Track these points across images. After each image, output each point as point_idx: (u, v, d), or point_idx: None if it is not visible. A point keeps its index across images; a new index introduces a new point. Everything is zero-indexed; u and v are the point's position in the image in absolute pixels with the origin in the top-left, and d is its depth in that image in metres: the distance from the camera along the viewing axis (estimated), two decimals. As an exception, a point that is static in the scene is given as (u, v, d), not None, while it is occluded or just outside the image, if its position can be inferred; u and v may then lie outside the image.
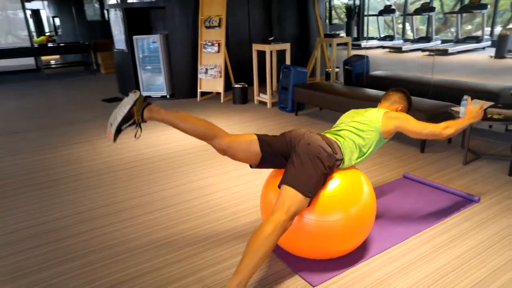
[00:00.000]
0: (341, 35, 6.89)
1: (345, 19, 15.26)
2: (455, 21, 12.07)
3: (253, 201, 2.80)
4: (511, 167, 2.99)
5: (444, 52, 10.41)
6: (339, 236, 1.94)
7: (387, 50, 12.85)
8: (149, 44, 6.43)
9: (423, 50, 11.60)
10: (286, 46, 5.72)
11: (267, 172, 3.03)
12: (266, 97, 5.81)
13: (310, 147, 1.96)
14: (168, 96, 6.60)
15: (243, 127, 4.69)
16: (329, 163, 1.94)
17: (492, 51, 10.43)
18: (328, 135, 2.14)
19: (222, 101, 6.20)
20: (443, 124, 2.21)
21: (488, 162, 3.26)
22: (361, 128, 2.17)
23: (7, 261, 2.21)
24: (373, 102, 3.96)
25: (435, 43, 12.33)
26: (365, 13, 14.84)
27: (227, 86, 6.52)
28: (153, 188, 3.08)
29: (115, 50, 7.10)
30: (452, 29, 12.38)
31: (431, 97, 4.27)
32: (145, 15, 6.66)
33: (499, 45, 9.18)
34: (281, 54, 6.25)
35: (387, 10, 13.66)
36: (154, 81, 6.64)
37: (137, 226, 2.52)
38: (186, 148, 3.98)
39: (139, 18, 6.62)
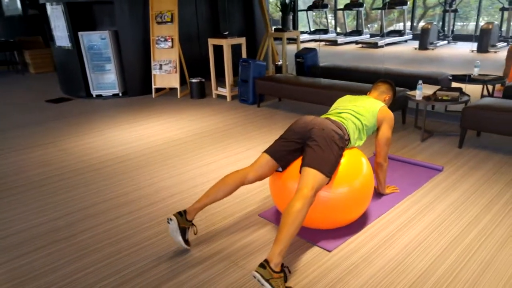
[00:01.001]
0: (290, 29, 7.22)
1: (280, 14, 15.76)
2: (380, 16, 13.12)
3: (239, 190, 2.96)
4: (460, 141, 3.50)
5: (375, 45, 11.31)
6: (347, 206, 2.19)
7: (323, 43, 13.54)
8: (97, 41, 6.19)
9: (357, 43, 12.47)
10: (242, 40, 5.89)
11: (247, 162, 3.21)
12: (224, 91, 5.94)
13: (324, 132, 2.18)
14: (120, 94, 6.42)
15: (207, 121, 4.79)
16: (342, 144, 2.18)
17: (414, 44, 11.58)
18: (332, 117, 2.36)
19: (179, 96, 6.20)
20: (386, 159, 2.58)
21: (439, 138, 3.77)
22: (360, 112, 2.44)
23: (13, 265, 2.13)
24: (331, 91, 4.33)
25: (365, 37, 13.33)
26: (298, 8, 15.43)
27: (181, 81, 6.53)
28: (140, 183, 3.10)
29: (57, 47, 6.70)
30: (386, 24, 13.45)
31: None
32: (90, 10, 6.38)
33: (422, 38, 10.22)
34: (233, 48, 6.41)
35: (318, 5, 14.38)
36: (104, 80, 6.41)
37: (130, 223, 2.56)
38: (159, 144, 4.00)
39: (84, 13, 6.33)
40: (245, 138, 4.07)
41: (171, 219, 2.10)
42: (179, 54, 6.22)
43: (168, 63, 6.19)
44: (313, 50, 6.14)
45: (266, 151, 2.28)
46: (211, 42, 5.88)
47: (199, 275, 1.99)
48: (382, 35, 12.83)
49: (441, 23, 11.37)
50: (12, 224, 2.55)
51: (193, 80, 6.03)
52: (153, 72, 6.23)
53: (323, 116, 2.42)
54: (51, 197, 2.90)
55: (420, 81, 3.66)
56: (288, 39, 7.49)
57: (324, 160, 2.08)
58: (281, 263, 1.78)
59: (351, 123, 2.36)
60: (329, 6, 14.48)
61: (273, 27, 7.50)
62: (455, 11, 10.71)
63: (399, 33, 12.44)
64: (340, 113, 2.45)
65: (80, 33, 6.11)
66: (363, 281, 1.89)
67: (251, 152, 3.66)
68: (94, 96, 6.41)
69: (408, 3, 12.00)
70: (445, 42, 10.91)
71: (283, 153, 2.25)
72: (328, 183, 2.10)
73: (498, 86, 4.91)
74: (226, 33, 5.84)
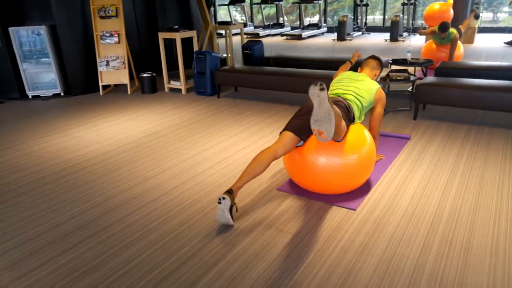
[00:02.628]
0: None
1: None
2: (299, 10, 13.94)
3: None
4: (415, 114, 4.12)
5: (299, 37, 12.03)
6: (357, 171, 2.54)
7: (246, 36, 13.92)
8: (32, 37, 5.72)
9: (282, 35, 13.08)
10: (193, 34, 5.96)
11: (229, 154, 3.43)
12: (178, 84, 5.95)
13: (338, 103, 2.51)
14: (62, 94, 6.03)
15: (174, 114, 4.83)
16: (349, 115, 2.54)
17: (330, 36, 12.58)
18: (341, 96, 2.69)
19: (129, 92, 6.04)
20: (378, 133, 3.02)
21: (394, 114, 4.36)
22: (361, 94, 2.79)
23: (60, 261, 2.08)
24: (294, 78, 4.69)
25: (287, 29, 14.04)
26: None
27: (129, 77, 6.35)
28: (135, 178, 3.11)
29: (-21, 45, 6.00)
30: (309, 17, 14.26)
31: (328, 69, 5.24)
32: (22, 4, 5.84)
33: (339, 30, 11.18)
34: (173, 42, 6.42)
35: (237, 0, 14.70)
36: (42, 79, 5.95)
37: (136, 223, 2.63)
38: (137, 139, 3.97)
39: (15, 7, 5.78)
40: (222, 126, 4.23)
41: (224, 198, 2.24)
42: (127, 49, 6.05)
43: (115, 59, 5.98)
44: (259, 42, 6.44)
45: (287, 129, 2.53)
46: (162, 36, 5.84)
47: (253, 244, 2.17)
48: (303, 27, 13.69)
49: (353, 16, 12.53)
50: (28, 228, 2.42)
51: (144, 75, 5.93)
52: (99, 68, 5.97)
53: (331, 94, 2.75)
54: (54, 199, 2.77)
55: (410, 48, 4.19)
56: (217, 33, 7.68)
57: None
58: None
59: (354, 105, 2.71)
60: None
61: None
62: (366, 5, 11.91)
63: (317, 26, 13.40)
64: (344, 93, 2.79)
65: (10, 29, 5.59)
66: (394, 226, 2.26)
67: (236, 138, 3.84)
68: (30, 97, 5.92)
69: (323, -3, 12.95)
70: (360, 33, 12.09)
71: (303, 128, 2.52)
72: (340, 152, 2.45)
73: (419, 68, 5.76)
74: (177, 26, 5.85)
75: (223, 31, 11.77)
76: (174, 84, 6.02)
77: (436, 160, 3.12)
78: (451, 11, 9.24)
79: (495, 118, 4.06)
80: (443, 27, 5.92)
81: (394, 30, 10.05)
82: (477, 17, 9.00)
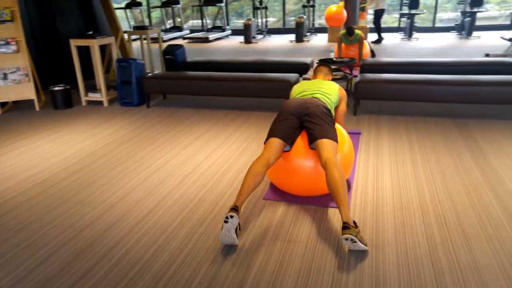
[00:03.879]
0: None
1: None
2: (202, 13, 13.78)
3: (221, 187, 2.98)
4: (355, 109, 4.36)
5: (206, 40, 11.86)
6: (343, 168, 2.57)
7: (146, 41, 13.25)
8: None
9: (184, 38, 12.71)
10: (112, 40, 5.42)
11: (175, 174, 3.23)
12: (98, 96, 5.37)
13: (319, 108, 2.51)
14: None
15: (106, 129, 4.34)
16: (331, 117, 2.55)
17: (234, 38, 12.71)
18: (315, 96, 2.69)
19: (37, 109, 5.24)
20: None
21: (334, 111, 4.56)
22: (328, 92, 2.82)
23: None
24: (232, 82, 4.59)
25: (186, 32, 13.74)
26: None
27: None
28: (103, 202, 2.71)
29: None
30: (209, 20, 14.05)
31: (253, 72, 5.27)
32: None
33: (246, 33, 11.35)
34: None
35: (134, 3, 13.94)
36: None
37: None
38: (70, 165, 3.46)
39: None
40: (169, 138, 3.92)
41: (231, 216, 2.04)
42: (29, 59, 5.22)
43: (15, 71, 5.13)
44: (180, 46, 6.16)
45: (274, 136, 2.44)
46: (75, 43, 5.18)
47: (269, 262, 2.03)
48: (207, 30, 13.55)
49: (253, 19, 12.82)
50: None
51: (56, 88, 5.20)
52: (-4, 83, 5.04)
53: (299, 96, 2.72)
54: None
55: (332, 48, 4.33)
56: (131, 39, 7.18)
57: (330, 130, 2.42)
58: (353, 220, 2.05)
59: (326, 103, 2.74)
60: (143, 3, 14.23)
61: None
62: (265, 8, 12.30)
63: (221, 28, 13.40)
64: (312, 94, 2.79)
65: None
66: (392, 219, 2.33)
67: (191, 149, 3.59)
68: None
69: (224, 0, 13.03)
70: (262, 36, 12.43)
71: (289, 132, 2.47)
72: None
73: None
74: (90, 32, 5.25)
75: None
76: (93, 96, 5.40)
77: (394, 151, 3.34)
78: (344, 12, 10.11)
79: (423, 108, 4.53)
80: (350, 31, 6.41)
81: (299, 31, 10.57)
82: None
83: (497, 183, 2.72)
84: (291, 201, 2.61)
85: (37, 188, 2.95)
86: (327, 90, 2.84)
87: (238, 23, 15.82)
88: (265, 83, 4.50)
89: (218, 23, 14.27)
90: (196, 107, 5.00)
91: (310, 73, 4.48)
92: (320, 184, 2.51)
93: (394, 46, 9.47)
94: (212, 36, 12.20)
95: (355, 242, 1.96)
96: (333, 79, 4.33)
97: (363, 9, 10.37)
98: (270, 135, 2.47)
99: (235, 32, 13.61)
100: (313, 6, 11.51)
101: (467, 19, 9.62)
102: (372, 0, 9.99)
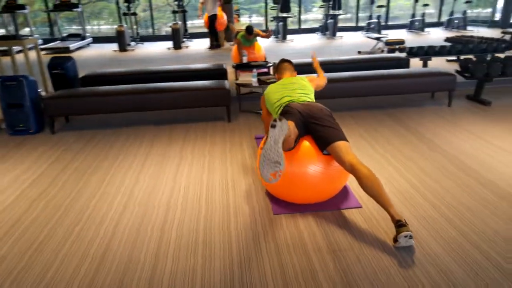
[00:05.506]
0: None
1: None
2: (55, 19, 12.07)
3: (225, 213, 2.70)
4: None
5: (66, 50, 10.42)
6: (342, 173, 2.63)
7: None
8: None
9: (42, 49, 10.91)
10: (-15, 54, 4.28)
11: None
12: (-25, 127, 4.20)
13: (323, 111, 2.50)
14: None
15: (17, 176, 3.45)
16: (334, 119, 2.57)
17: (104, 46, 11.55)
18: (300, 102, 2.63)
19: None
20: (321, 77, 3.22)
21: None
22: (306, 91, 2.81)
23: None
24: (160, 94, 4.21)
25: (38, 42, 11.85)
26: None
27: None
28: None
29: None
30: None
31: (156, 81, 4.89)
32: None
33: (119, 40, 10.45)
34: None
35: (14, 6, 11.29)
36: None
37: None
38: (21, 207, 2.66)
39: None
40: (110, 165, 3.34)
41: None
42: None
43: None
44: (70, 58, 5.31)
45: (289, 119, 2.34)
46: None
47: (333, 275, 1.93)
48: (62, 38, 11.93)
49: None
50: None
51: None
52: None
53: (292, 103, 2.64)
54: None
55: (255, 70, 4.29)
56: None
57: (341, 132, 2.44)
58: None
59: (312, 101, 2.74)
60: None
61: None
62: (134, 14, 11.54)
63: (80, 36, 12.01)
64: (300, 98, 2.74)
65: None
66: (412, 207, 2.49)
67: (147, 177, 3.13)
68: None
69: (81, 6, 11.73)
70: (134, 43, 11.67)
71: (299, 124, 2.42)
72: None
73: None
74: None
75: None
76: (-34, 127, 4.20)
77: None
78: (224, 16, 10.27)
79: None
80: (249, 30, 6.53)
81: (175, 37, 10.24)
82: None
83: (452, 153, 3.17)
84: (302, 210, 2.53)
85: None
86: (305, 90, 2.82)
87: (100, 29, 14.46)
88: (199, 92, 4.24)
89: (75, 30, 12.73)
90: (116, 126, 4.38)
91: (244, 79, 4.38)
92: (328, 189, 2.50)
93: (270, 47, 9.98)
94: (72, 45, 10.83)
95: (411, 238, 2.02)
96: (266, 82, 4.35)
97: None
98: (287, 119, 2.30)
99: (99, 40, 12.41)
100: (184, 11, 11.30)
101: (330, 21, 10.87)
102: (201, 8, 10.22)
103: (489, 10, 14.08)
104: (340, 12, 11.08)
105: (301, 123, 2.44)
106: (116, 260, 2.12)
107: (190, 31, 12.54)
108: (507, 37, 7.72)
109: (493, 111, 4.35)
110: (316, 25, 13.16)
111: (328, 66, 4.85)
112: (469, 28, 11.98)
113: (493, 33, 10.44)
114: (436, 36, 11.09)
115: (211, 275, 1.98)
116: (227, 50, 9.75)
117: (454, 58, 7.01)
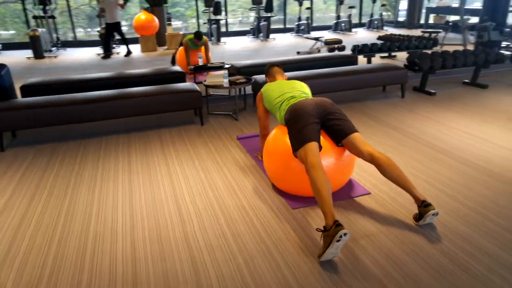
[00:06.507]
0: None
1: None
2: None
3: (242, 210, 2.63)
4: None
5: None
6: (352, 161, 2.75)
7: None
8: None
9: None
10: None
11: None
12: None
13: (334, 105, 2.58)
14: None
15: (-20, 187, 2.97)
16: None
17: (12, 54, 10.41)
18: (303, 98, 2.68)
19: None
20: None
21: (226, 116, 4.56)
22: (304, 91, 2.88)
23: None
24: (125, 100, 3.96)
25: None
26: None
27: None
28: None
29: None
30: None
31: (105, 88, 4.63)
32: None
33: (34, 47, 9.48)
34: None
35: None
36: None
37: None
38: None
39: None
40: (93, 179, 3.05)
41: (345, 234, 1.90)
42: None
43: None
44: (3, 65, 4.72)
45: (312, 140, 2.35)
46: None
47: (379, 259, 2.02)
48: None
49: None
50: None
51: None
52: None
53: (298, 99, 2.67)
54: None
55: (226, 71, 4.23)
56: None
57: (351, 123, 2.55)
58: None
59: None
60: None
61: None
62: (52, 17, 10.59)
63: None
64: (300, 94, 2.80)
65: None
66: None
67: (143, 186, 2.94)
68: None
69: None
70: (55, 49, 10.73)
71: (318, 135, 2.45)
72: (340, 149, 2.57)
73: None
74: None
75: None
76: None
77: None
78: (156, 20, 9.93)
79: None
80: (199, 35, 6.44)
81: (36, 46, 9.61)
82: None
83: (418, 135, 3.48)
84: (316, 203, 2.59)
85: None
86: (304, 89, 2.89)
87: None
88: (171, 96, 4.05)
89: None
90: (79, 138, 4.00)
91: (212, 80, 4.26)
92: (340, 179, 2.59)
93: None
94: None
95: (436, 215, 2.20)
96: (236, 83, 4.33)
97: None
98: (306, 139, 2.34)
99: (8, 46, 11.17)
100: (52, 17, 10.67)
101: (263, 23, 11.09)
102: (102, 14, 9.10)
103: (388, 13, 15.68)
104: (273, 14, 11.39)
105: (319, 127, 2.48)
106: (152, 279, 1.96)
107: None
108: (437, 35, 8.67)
109: (439, 99, 4.88)
110: (242, 28, 13.36)
111: (285, 66, 4.98)
112: (385, 28, 13.17)
113: (407, 32, 11.61)
114: (362, 35, 11.99)
115: (260, 274, 1.94)
116: (165, 55, 9.44)
117: (386, 54, 7.68)
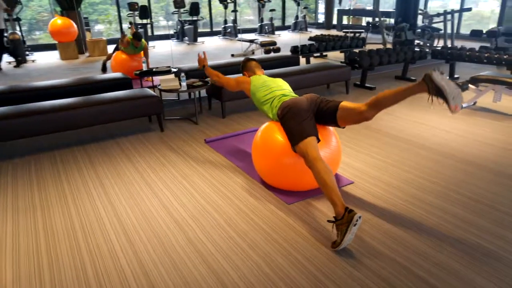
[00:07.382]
0: None
1: None
2: None
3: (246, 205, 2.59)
4: (223, 113, 4.46)
5: None
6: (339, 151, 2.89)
7: None
8: None
9: None
10: None
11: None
12: None
13: (319, 97, 2.70)
14: None
15: None
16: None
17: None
18: (294, 96, 2.76)
19: None
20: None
21: (190, 121, 4.47)
22: (288, 88, 2.96)
23: None
24: (84, 108, 3.69)
25: None
26: None
27: None
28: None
29: None
30: None
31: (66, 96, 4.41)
32: None
33: (16, 52, 8.30)
34: None
35: None
36: None
37: None
38: None
39: None
40: (82, 188, 2.78)
41: (360, 217, 2.00)
42: None
43: None
44: None
45: (310, 135, 2.43)
46: None
47: (397, 230, 2.16)
48: None
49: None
50: None
51: None
52: None
53: (288, 96, 2.75)
54: None
55: (183, 74, 4.11)
56: None
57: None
58: None
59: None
60: None
61: None
62: (18, 19, 9.35)
63: None
64: (290, 92, 2.87)
65: None
66: (394, 178, 2.90)
67: (140, 194, 2.75)
68: None
69: None
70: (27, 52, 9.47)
71: (315, 129, 2.54)
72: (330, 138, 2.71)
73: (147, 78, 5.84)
74: None
75: None
76: None
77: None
78: (74, 25, 9.25)
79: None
80: (138, 36, 6.17)
81: (17, 49, 8.69)
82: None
83: (377, 128, 3.78)
84: (309, 195, 2.67)
85: None
86: (287, 87, 2.97)
87: None
88: (128, 103, 3.82)
89: None
90: (25, 154, 3.58)
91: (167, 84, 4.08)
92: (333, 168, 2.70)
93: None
94: None
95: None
96: (194, 86, 4.25)
97: None
98: (305, 134, 2.40)
99: None
100: (17, 19, 9.67)
101: (188, 26, 10.90)
102: None
103: (313, 14, 16.58)
104: (200, 17, 11.28)
105: (314, 121, 2.57)
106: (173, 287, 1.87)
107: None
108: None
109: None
110: (166, 32, 13.03)
111: (227, 69, 5.01)
112: (309, 29, 13.85)
113: (328, 32, 12.34)
114: (288, 37, 12.43)
115: (281, 269, 1.96)
116: (89, 62, 8.82)
117: (318, 54, 8.11)
